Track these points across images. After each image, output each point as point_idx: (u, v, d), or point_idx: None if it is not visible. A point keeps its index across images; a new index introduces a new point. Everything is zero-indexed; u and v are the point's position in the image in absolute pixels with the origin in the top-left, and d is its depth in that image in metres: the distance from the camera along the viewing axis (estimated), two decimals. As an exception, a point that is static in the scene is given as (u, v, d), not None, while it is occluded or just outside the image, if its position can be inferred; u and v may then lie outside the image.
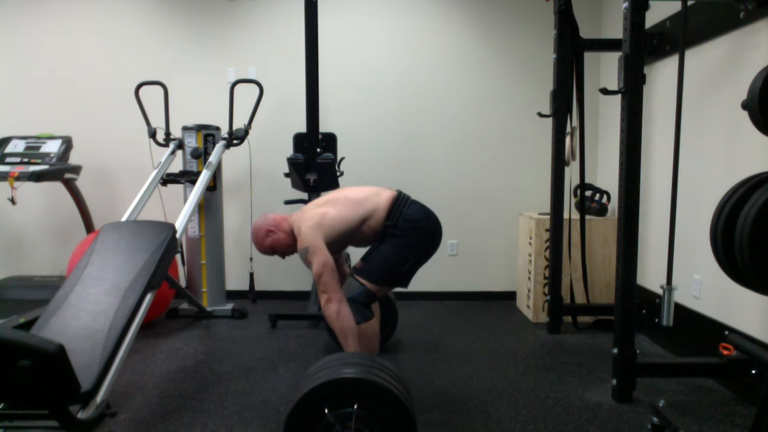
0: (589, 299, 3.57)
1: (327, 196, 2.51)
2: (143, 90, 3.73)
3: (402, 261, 2.35)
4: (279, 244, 2.50)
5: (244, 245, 4.27)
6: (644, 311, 3.28)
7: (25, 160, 3.73)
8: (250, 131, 3.77)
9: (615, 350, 2.39)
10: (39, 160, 3.72)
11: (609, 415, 2.29)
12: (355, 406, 1.64)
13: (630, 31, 2.25)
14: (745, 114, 1.76)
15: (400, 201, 2.39)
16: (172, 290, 3.25)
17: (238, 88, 3.81)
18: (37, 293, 3.60)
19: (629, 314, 2.37)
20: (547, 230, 3.56)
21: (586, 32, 3.51)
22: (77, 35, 4.23)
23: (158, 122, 3.85)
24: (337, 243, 2.39)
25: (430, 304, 4.19)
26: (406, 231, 2.34)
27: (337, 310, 2.23)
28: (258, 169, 4.19)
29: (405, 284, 2.42)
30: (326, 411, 1.64)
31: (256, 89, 3.78)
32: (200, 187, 3.20)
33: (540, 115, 3.46)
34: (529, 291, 3.76)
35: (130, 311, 2.09)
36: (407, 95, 4.21)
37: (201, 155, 3.73)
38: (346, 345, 2.27)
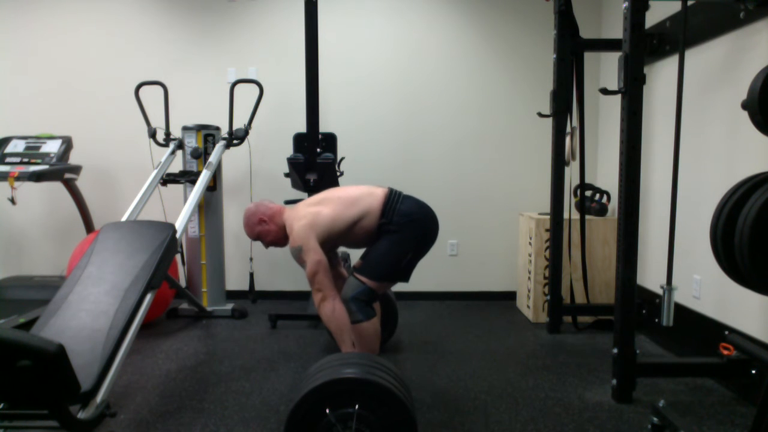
0: (589, 299, 3.57)
1: (319, 196, 2.52)
2: (143, 90, 3.73)
3: (401, 255, 2.35)
4: (268, 234, 2.52)
5: (244, 245, 4.27)
6: (644, 311, 3.28)
7: (25, 160, 3.73)
8: (250, 131, 3.77)
9: (615, 350, 2.39)
10: (39, 160, 3.72)
11: (609, 415, 2.29)
12: (357, 407, 1.64)
13: (630, 31, 2.25)
14: (745, 114, 1.76)
15: (393, 198, 2.40)
16: (172, 290, 3.25)
17: (238, 88, 3.81)
18: (37, 293, 3.59)
19: (629, 314, 2.37)
20: (547, 230, 3.56)
21: (586, 32, 3.51)
22: (77, 35, 4.23)
23: (158, 122, 3.85)
24: (330, 242, 2.40)
25: (430, 304, 4.19)
26: (402, 225, 2.35)
27: (332, 308, 2.26)
28: (258, 169, 4.19)
29: (406, 279, 2.42)
30: (327, 411, 1.64)
31: (256, 89, 3.78)
32: (200, 187, 3.20)
33: (540, 115, 3.46)
34: (529, 291, 3.76)
35: (130, 311, 2.09)
36: (407, 95, 4.21)
37: (201, 155, 3.73)
38: (342, 342, 2.28)
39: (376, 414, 1.65)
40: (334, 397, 1.65)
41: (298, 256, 2.33)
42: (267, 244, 2.57)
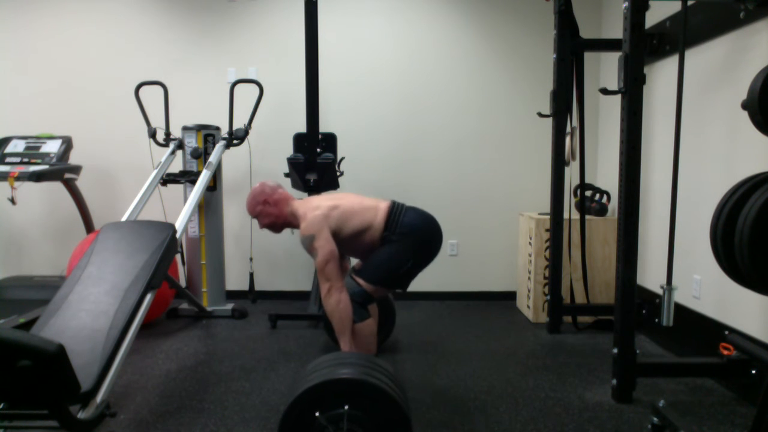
0: (589, 299, 3.57)
1: (332, 195, 2.58)
2: (143, 90, 3.73)
3: (400, 263, 2.36)
4: (267, 216, 2.54)
5: (244, 245, 4.27)
6: (644, 311, 3.28)
7: (25, 160, 3.73)
8: (250, 131, 3.77)
9: (615, 350, 2.39)
10: (39, 160, 3.72)
11: (609, 415, 2.29)
12: (346, 407, 1.63)
13: (630, 31, 2.25)
14: (745, 114, 1.76)
15: (396, 211, 2.43)
16: (172, 290, 3.25)
17: (238, 88, 3.81)
18: (37, 293, 3.59)
19: (629, 314, 2.37)
20: (547, 230, 3.56)
21: (586, 32, 3.51)
22: (77, 35, 4.23)
23: (158, 122, 3.85)
24: (337, 239, 2.40)
25: (430, 304, 4.19)
26: (404, 235, 2.38)
27: (337, 299, 2.28)
28: (258, 169, 4.19)
29: (403, 287, 2.44)
30: (317, 414, 1.62)
31: (256, 89, 3.78)
32: (200, 187, 3.20)
33: (540, 115, 3.46)
34: (529, 291, 3.76)
35: (130, 311, 2.09)
36: (407, 95, 4.21)
37: (201, 155, 3.73)
38: (342, 335, 2.29)
39: (368, 414, 1.65)
40: (325, 398, 1.64)
41: (310, 245, 2.34)
42: (262, 226, 2.59)
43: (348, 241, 2.41)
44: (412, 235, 2.38)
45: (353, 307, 2.31)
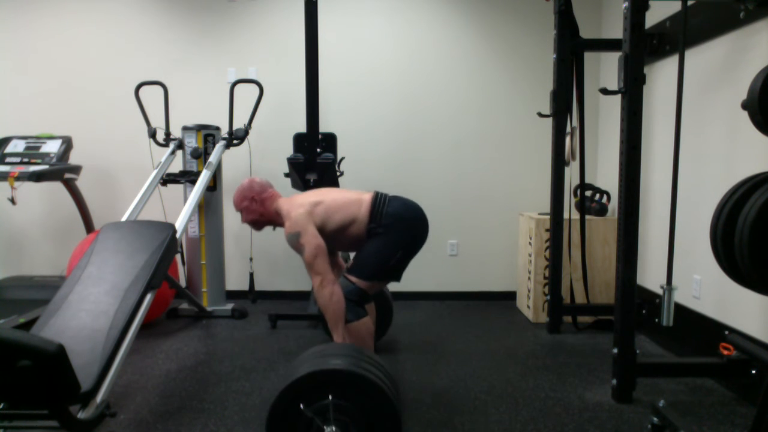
0: (589, 299, 3.57)
1: (316, 191, 2.56)
2: (143, 90, 3.73)
3: (390, 254, 2.36)
4: (251, 213, 2.55)
5: (244, 245, 4.27)
6: (644, 311, 3.28)
7: (25, 160, 3.73)
8: (250, 131, 3.77)
9: (615, 350, 2.39)
10: (39, 160, 3.72)
11: (609, 415, 2.29)
12: (330, 397, 1.62)
13: (630, 31, 2.25)
14: (745, 114, 1.77)
15: (379, 201, 2.42)
16: (172, 290, 3.25)
17: (238, 88, 3.81)
18: (37, 293, 3.59)
19: (629, 314, 2.37)
20: (547, 230, 3.56)
21: (586, 32, 3.51)
22: (77, 35, 4.23)
23: (158, 122, 3.85)
24: (324, 235, 2.40)
25: (430, 304, 4.19)
26: (389, 226, 2.37)
27: (330, 291, 2.27)
28: (258, 169, 4.19)
29: (397, 278, 2.44)
30: (301, 406, 1.62)
31: (256, 89, 3.78)
32: (200, 187, 3.20)
33: (540, 115, 3.46)
34: (529, 291, 3.76)
35: (130, 311, 2.09)
36: (407, 95, 4.21)
37: (201, 155, 3.73)
38: (336, 328, 2.29)
39: (354, 403, 1.64)
40: (308, 391, 1.64)
41: (296, 242, 2.34)
42: (244, 221, 2.60)
43: (334, 235, 2.41)
44: (397, 225, 2.37)
45: (349, 306, 2.31)
